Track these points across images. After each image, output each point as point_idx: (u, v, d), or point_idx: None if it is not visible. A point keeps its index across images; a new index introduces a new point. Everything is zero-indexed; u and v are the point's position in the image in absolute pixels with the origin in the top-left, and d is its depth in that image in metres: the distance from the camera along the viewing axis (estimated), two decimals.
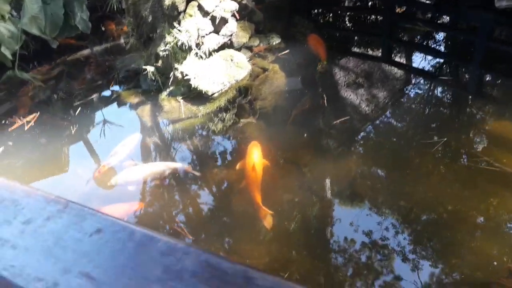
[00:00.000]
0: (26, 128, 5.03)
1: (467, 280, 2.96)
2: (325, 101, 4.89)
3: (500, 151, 3.92)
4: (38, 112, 5.25)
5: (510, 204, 3.47)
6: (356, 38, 6.99)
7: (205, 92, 4.89)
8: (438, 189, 3.63)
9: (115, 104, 5.40)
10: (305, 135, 4.57)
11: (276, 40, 5.88)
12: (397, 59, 6.13)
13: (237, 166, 3.86)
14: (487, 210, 3.45)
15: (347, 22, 7.64)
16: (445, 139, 4.11)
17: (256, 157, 3.81)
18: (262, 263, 3.16)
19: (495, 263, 3.00)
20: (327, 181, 3.97)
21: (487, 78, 5.50)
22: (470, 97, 5.17)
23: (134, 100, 5.18)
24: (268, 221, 3.33)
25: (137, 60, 5.43)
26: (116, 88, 5.59)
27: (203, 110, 4.92)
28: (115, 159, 4.26)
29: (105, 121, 5.14)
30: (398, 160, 4.04)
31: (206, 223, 3.67)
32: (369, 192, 3.76)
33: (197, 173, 4.06)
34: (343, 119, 4.47)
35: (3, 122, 5.26)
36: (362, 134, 4.52)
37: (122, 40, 6.96)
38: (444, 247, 3.19)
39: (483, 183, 3.67)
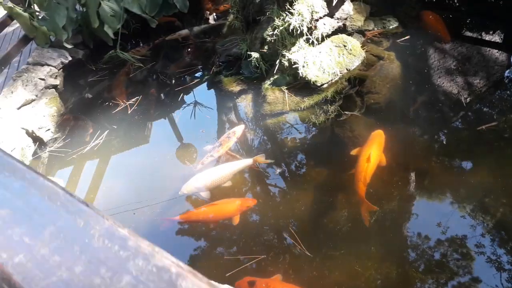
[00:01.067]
0: (129, 111, 4.98)
1: None
2: (463, 98, 4.18)
3: None
4: (141, 96, 5.17)
5: None
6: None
7: (313, 83, 4.43)
8: None
9: (216, 90, 5.15)
10: (425, 136, 3.97)
11: (393, 24, 5.21)
12: None
13: (353, 152, 3.53)
14: None
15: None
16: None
17: (375, 147, 3.42)
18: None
19: None
20: (448, 194, 3.39)
21: None
22: None
23: (236, 88, 4.88)
24: (366, 217, 3.10)
25: (238, 44, 5.10)
26: (216, 73, 5.32)
27: (308, 102, 4.48)
28: (220, 150, 4.02)
29: (206, 108, 4.93)
30: None
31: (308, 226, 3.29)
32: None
33: (270, 161, 3.76)
34: (491, 124, 3.74)
35: (106, 103, 5.27)
36: (506, 143, 3.78)
37: (219, 21, 6.69)
38: None
39: None
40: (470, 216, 3.12)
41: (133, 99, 5.12)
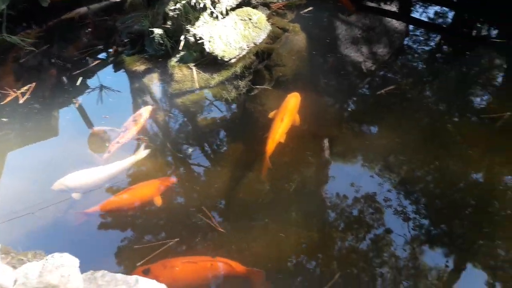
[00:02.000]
0: (21, 101, 4.50)
1: None
2: (368, 65, 4.36)
3: None
4: (34, 83, 4.69)
5: None
6: None
7: (221, 58, 4.34)
8: None
9: (119, 71, 4.84)
10: (332, 104, 4.11)
11: None
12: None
13: (270, 115, 3.66)
14: None
15: None
16: (509, 113, 3.66)
17: (289, 107, 3.58)
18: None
19: None
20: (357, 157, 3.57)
21: None
22: None
23: (141, 67, 4.62)
24: (265, 173, 3.28)
25: (141, 21, 4.81)
26: (119, 53, 4.98)
27: (217, 78, 4.39)
28: (127, 136, 3.80)
29: (108, 91, 4.61)
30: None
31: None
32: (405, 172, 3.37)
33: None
34: (389, 88, 3.95)
35: None
36: (405, 104, 4.02)
37: None
38: None
39: None
40: (377, 175, 3.33)
41: (25, 87, 4.63)
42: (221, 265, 2.64)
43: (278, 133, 3.39)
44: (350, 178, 3.32)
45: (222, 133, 4.01)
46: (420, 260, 2.74)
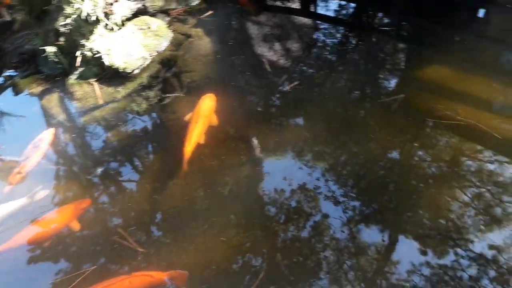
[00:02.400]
0: None
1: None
2: (267, 65, 4.46)
3: (455, 103, 3.87)
4: None
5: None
6: None
7: (123, 70, 4.19)
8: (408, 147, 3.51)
9: (12, 95, 4.47)
10: (246, 103, 4.16)
11: (195, 1, 5.23)
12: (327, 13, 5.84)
13: (186, 118, 3.63)
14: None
15: None
16: (403, 95, 3.97)
17: (204, 111, 3.57)
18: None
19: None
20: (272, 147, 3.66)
21: (426, 27, 5.41)
22: (416, 47, 5.09)
23: (37, 88, 4.32)
24: (182, 176, 3.26)
25: (32, 40, 4.49)
26: (10, 76, 4.61)
27: (123, 91, 4.24)
28: (29, 164, 3.52)
29: (6, 117, 4.25)
30: (355, 121, 3.81)
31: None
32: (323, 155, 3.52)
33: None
34: (294, 83, 4.08)
35: None
36: (314, 97, 4.19)
37: (7, 17, 5.79)
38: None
39: (447, 136, 3.60)
40: (305, 165, 3.45)
41: None
42: (140, 278, 2.55)
43: (194, 135, 3.36)
44: (281, 173, 3.38)
45: (137, 147, 3.87)
46: (358, 238, 2.88)
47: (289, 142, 3.65)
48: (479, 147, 3.52)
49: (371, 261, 2.75)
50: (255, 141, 3.72)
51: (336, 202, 3.14)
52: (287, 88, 4.12)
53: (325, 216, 3.04)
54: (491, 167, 3.37)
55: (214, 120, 3.63)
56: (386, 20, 5.46)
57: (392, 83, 4.39)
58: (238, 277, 2.71)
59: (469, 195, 3.17)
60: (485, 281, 2.59)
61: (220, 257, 2.81)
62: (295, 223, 3.02)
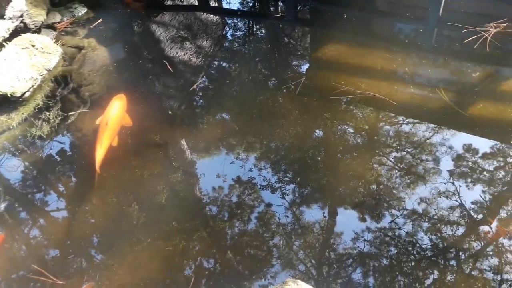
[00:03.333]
0: None
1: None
2: (169, 66, 4.36)
3: (355, 77, 4.09)
4: None
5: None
6: None
7: (11, 95, 3.83)
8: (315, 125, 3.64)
9: None
10: (154, 108, 4.04)
11: (81, 11, 4.92)
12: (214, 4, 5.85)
13: (97, 121, 3.48)
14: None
15: None
16: (303, 78, 4.10)
17: (114, 111, 3.44)
18: None
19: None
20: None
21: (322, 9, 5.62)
22: (313, 29, 5.28)
23: None
24: (97, 179, 3.12)
25: None
26: None
27: (17, 117, 3.88)
28: None
29: None
30: (265, 109, 3.87)
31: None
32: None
33: None
34: (200, 81, 4.02)
35: None
36: (221, 92, 4.18)
37: None
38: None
39: (354, 110, 3.79)
40: (237, 158, 3.45)
41: None
42: None
43: (105, 137, 3.21)
44: (213, 171, 3.33)
45: (43, 175, 3.57)
46: (302, 219, 2.93)
47: (210, 138, 3.62)
48: (382, 115, 3.77)
49: (318, 238, 2.82)
50: (176, 142, 3.63)
51: (273, 189, 3.16)
52: (194, 86, 4.07)
53: (267, 205, 3.06)
54: (400, 130, 3.64)
55: (127, 121, 3.51)
56: (283, 7, 5.61)
57: (294, 67, 4.54)
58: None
59: (392, 159, 3.39)
60: (421, 234, 2.76)
61: (162, 270, 2.69)
62: (238, 216, 3.00)
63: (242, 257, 2.77)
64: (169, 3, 5.77)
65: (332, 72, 4.28)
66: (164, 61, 4.39)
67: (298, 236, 2.84)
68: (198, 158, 3.56)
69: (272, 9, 5.67)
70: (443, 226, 2.82)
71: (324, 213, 2.98)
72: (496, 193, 3.03)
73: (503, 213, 2.88)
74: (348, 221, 2.91)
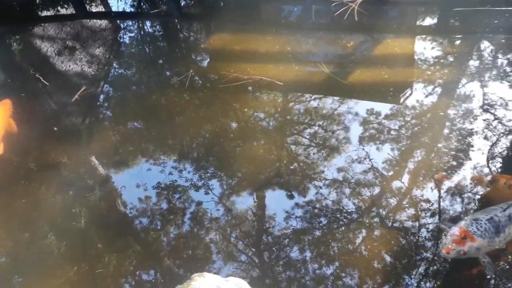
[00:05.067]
0: None
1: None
2: (43, 80, 4.12)
3: (243, 63, 4.15)
4: None
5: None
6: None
7: None
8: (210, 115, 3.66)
9: None
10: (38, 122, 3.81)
11: None
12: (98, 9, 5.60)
13: None
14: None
15: None
16: (191, 71, 4.08)
17: None
18: None
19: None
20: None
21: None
22: (196, 22, 5.25)
23: None
24: None
25: None
26: None
27: None
28: None
29: None
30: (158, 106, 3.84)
31: None
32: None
33: None
34: (81, 90, 3.86)
35: None
36: (110, 96, 4.04)
37: None
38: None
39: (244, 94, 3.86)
40: (152, 164, 3.33)
41: None
42: None
43: None
44: (130, 181, 3.19)
45: None
46: (234, 210, 2.93)
47: (104, 146, 3.50)
48: (272, 96, 3.89)
49: (252, 224, 2.84)
50: (72, 157, 3.43)
51: (197, 187, 3.13)
52: (76, 96, 3.91)
53: (197, 203, 3.01)
54: (290, 107, 3.80)
55: (13, 127, 3.38)
56: (166, 4, 5.54)
57: (181, 61, 4.52)
58: None
59: (306, 136, 3.49)
60: (345, 200, 2.91)
61: None
62: (172, 222, 2.90)
63: (180, 260, 2.68)
64: (47, 13, 5.42)
65: (220, 61, 4.34)
66: (37, 76, 4.18)
67: (234, 227, 2.83)
68: (107, 167, 3.41)
69: (155, 7, 5.57)
70: (362, 188, 2.98)
71: (254, 198, 3.00)
72: (395, 148, 3.27)
73: (411, 165, 3.11)
74: (278, 201, 2.97)
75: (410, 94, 3.73)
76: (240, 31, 4.85)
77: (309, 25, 4.87)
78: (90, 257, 2.65)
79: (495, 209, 2.42)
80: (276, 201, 2.97)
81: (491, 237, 2.28)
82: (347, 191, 2.98)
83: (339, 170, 3.13)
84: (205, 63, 4.44)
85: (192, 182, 3.16)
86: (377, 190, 2.95)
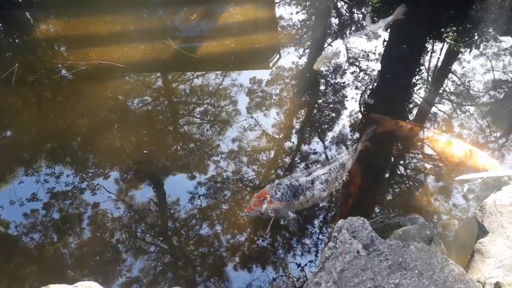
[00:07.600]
0: None
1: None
2: None
3: (83, 49, 3.77)
4: None
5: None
6: None
7: None
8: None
9: None
10: None
11: None
12: None
13: None
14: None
15: None
16: (17, 64, 3.59)
17: None
18: None
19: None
20: None
21: None
22: (25, 13, 4.59)
23: None
24: None
25: None
26: None
27: None
28: None
29: None
30: None
31: None
32: None
33: None
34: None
35: None
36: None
37: None
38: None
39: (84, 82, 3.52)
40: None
41: None
42: None
43: None
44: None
45: None
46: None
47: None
48: (114, 80, 3.63)
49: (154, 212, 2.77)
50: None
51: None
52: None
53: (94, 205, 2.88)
54: (134, 88, 3.61)
55: None
56: None
57: (4, 57, 3.97)
58: None
59: (196, 115, 3.42)
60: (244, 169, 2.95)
61: None
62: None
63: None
64: None
65: (56, 51, 3.91)
66: None
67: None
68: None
69: None
70: (258, 154, 2.97)
71: (154, 189, 2.95)
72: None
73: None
74: (183, 183, 2.93)
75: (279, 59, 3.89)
76: (75, 15, 4.42)
77: (148, 0, 4.66)
78: None
79: (301, 175, 2.60)
80: (181, 183, 2.93)
81: (289, 200, 2.47)
82: (245, 159, 3.05)
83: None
84: (37, 55, 3.94)
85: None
86: (272, 153, 3.06)
